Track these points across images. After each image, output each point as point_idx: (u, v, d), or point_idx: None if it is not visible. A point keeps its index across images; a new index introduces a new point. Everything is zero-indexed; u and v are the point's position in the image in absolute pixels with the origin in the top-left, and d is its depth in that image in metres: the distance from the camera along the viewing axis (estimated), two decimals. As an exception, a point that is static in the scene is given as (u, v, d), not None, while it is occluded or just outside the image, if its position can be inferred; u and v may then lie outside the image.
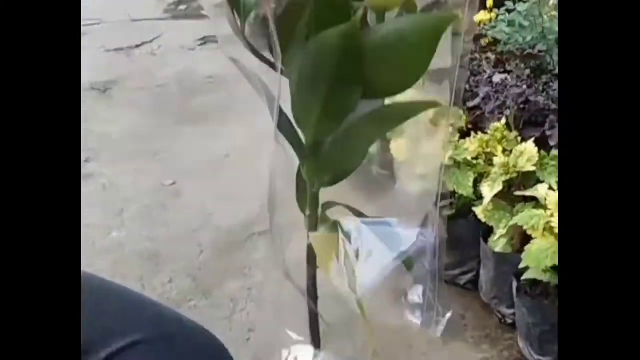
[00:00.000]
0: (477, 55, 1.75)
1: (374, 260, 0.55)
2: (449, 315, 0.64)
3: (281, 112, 0.52)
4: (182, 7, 4.41)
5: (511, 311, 1.15)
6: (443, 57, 0.53)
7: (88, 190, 1.78)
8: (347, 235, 0.55)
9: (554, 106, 1.32)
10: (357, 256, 0.55)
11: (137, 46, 3.43)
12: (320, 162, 0.55)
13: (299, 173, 0.57)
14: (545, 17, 1.67)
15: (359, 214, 0.59)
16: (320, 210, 0.59)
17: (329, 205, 0.59)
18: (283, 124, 0.51)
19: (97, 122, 2.31)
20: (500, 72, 1.65)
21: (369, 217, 0.60)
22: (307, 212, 0.59)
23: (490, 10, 1.82)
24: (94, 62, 3.09)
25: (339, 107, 0.50)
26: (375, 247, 0.55)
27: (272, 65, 0.49)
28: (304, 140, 0.53)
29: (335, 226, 0.56)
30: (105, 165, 1.98)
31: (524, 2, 1.71)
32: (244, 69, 0.51)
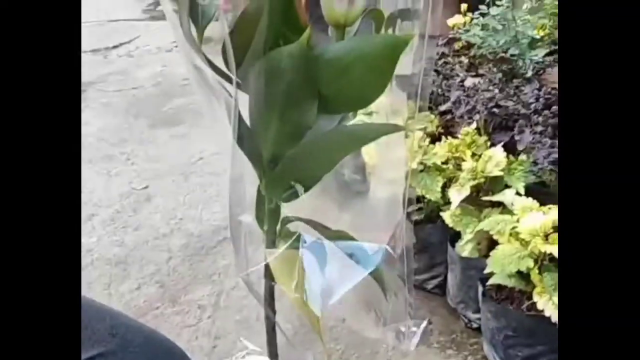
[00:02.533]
0: (450, 59, 1.75)
1: (339, 274, 0.54)
2: (423, 325, 0.63)
3: (243, 123, 0.50)
4: (161, 7, 4.39)
5: (477, 316, 1.14)
6: (406, 65, 0.52)
7: (57, 194, 1.75)
8: (310, 250, 0.54)
9: (523, 110, 1.31)
10: (319, 271, 0.54)
11: (114, 47, 3.39)
12: (279, 177, 0.54)
13: (258, 187, 0.56)
14: (518, 21, 1.67)
15: (323, 228, 0.58)
16: (279, 225, 0.58)
17: (289, 219, 0.58)
18: (244, 136, 0.50)
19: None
20: (473, 76, 1.65)
21: (334, 229, 0.59)
22: (265, 227, 0.58)
23: (465, 14, 1.82)
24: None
25: (295, 123, 0.49)
26: (338, 261, 0.54)
27: (228, 78, 0.48)
28: (263, 154, 0.52)
29: (296, 241, 0.54)
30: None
31: (498, 6, 1.71)
32: (205, 77, 0.50)
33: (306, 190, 0.54)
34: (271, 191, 0.56)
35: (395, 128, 0.50)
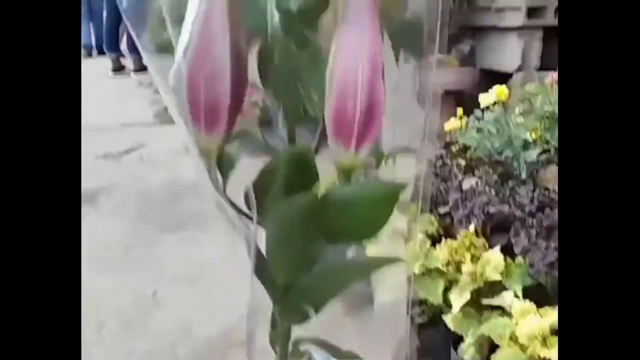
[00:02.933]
0: (448, 161, 1.83)
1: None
2: None
3: (259, 254, 0.57)
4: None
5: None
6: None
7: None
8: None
9: (518, 213, 1.37)
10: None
11: (126, 152, 3.52)
12: (292, 302, 0.59)
13: (272, 312, 0.62)
14: (510, 124, 1.76)
15: (333, 348, 0.63)
16: (291, 346, 0.63)
17: (300, 340, 0.63)
18: (259, 265, 0.56)
19: (82, 231, 2.35)
20: (470, 177, 1.72)
21: (343, 350, 0.64)
22: (277, 350, 0.63)
23: (461, 118, 1.92)
24: (84, 169, 3.16)
25: (307, 255, 0.56)
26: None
27: (249, 217, 0.55)
28: (277, 282, 0.59)
29: (307, 360, 0.60)
30: (86, 277, 1.99)
31: (492, 112, 1.80)
32: (224, 210, 0.57)
33: (317, 312, 0.59)
34: (285, 315, 0.61)
35: (395, 260, 0.56)
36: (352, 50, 0.49)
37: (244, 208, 0.55)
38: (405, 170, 0.61)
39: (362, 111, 0.50)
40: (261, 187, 0.54)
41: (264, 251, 0.57)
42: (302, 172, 0.54)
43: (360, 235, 0.55)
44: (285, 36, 0.52)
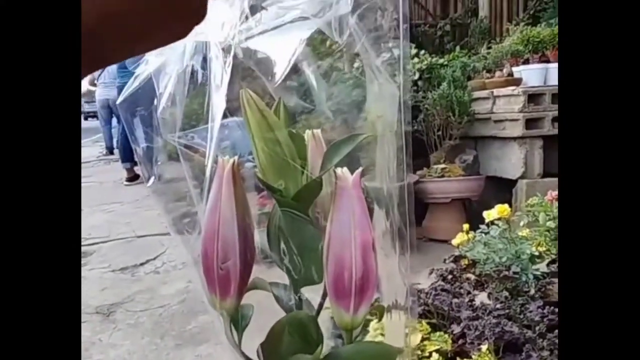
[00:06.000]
0: (457, 275, 1.86)
1: None
2: None
3: None
4: (186, 219, 4.66)
5: None
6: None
7: None
8: None
9: (529, 333, 1.38)
10: None
11: (142, 264, 3.57)
12: None
13: None
14: (516, 240, 1.80)
15: None
16: None
17: None
18: None
19: (98, 348, 2.36)
20: (481, 291, 1.74)
21: None
22: None
23: (467, 233, 1.96)
24: (100, 284, 3.21)
25: None
26: None
27: None
28: None
29: None
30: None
31: (497, 226, 1.85)
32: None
33: None
34: None
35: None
36: (344, 228, 0.55)
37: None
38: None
39: (357, 281, 0.55)
40: (269, 348, 0.58)
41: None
42: (306, 337, 0.58)
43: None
44: (285, 214, 0.57)
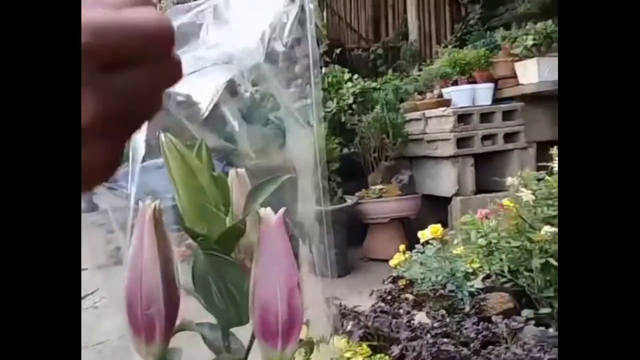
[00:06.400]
0: (396, 296, 1.89)
1: None
2: None
3: None
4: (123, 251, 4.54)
5: None
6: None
7: None
8: None
9: (465, 351, 1.42)
10: None
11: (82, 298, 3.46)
12: None
13: None
14: (450, 258, 1.84)
15: None
16: None
17: None
18: None
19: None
20: (419, 310, 1.78)
21: None
22: None
23: (404, 252, 2.00)
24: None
25: None
26: None
27: None
28: None
29: None
30: None
31: (432, 246, 1.89)
32: None
33: None
34: None
35: None
36: (269, 270, 0.56)
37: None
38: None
39: (283, 322, 0.56)
40: None
41: None
42: None
43: None
44: (209, 258, 0.58)
